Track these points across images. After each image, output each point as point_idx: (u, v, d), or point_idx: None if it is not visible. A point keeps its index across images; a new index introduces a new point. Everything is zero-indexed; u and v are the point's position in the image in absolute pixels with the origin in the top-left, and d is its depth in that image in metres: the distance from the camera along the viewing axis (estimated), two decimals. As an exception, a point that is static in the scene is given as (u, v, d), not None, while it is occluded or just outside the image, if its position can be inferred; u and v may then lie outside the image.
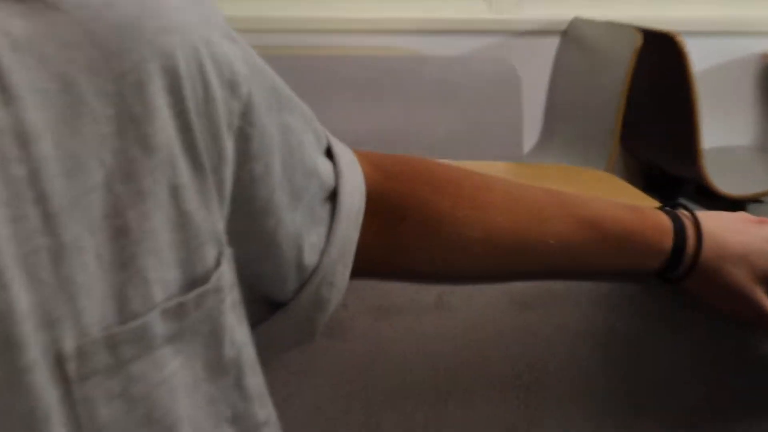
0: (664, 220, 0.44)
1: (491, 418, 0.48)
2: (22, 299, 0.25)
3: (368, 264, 0.41)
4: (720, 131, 1.80)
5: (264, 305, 0.39)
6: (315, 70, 1.40)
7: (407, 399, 0.46)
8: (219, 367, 0.32)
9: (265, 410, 0.34)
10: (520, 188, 0.46)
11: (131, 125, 0.28)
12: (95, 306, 0.27)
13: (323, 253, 0.39)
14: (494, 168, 1.16)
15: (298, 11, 1.80)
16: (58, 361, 0.26)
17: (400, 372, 0.46)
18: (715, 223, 0.45)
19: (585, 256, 0.45)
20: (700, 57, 1.49)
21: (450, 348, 0.48)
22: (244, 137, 0.33)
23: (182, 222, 0.30)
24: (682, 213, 0.45)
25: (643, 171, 1.90)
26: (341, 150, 0.41)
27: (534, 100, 1.57)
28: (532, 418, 0.48)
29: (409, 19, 1.79)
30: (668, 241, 0.43)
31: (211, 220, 0.31)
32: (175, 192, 0.29)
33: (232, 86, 0.31)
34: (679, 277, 0.44)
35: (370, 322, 0.45)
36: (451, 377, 0.47)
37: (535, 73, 1.54)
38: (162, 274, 0.29)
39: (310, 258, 0.38)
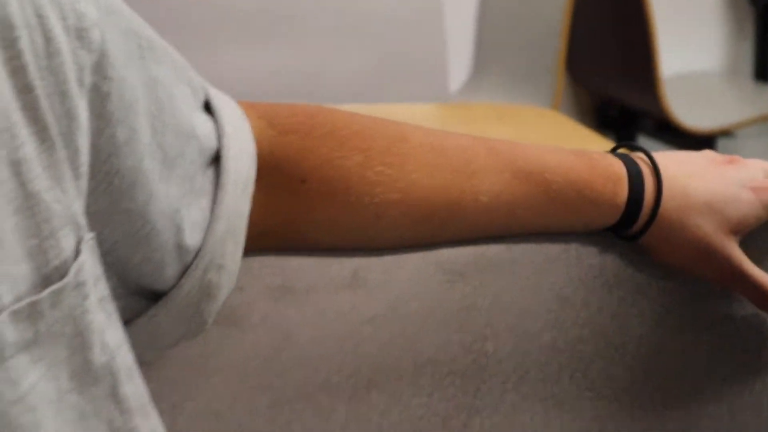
0: (618, 166, 0.45)
1: (422, 408, 0.48)
2: None
3: (264, 237, 0.43)
4: (681, 56, 1.85)
5: (141, 297, 0.39)
6: (188, 4, 1.36)
7: (322, 392, 0.47)
8: (88, 375, 0.33)
9: (148, 422, 0.35)
10: (444, 137, 0.46)
11: None
12: None
13: (208, 230, 0.39)
14: (414, 111, 1.17)
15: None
16: None
17: (312, 362, 0.47)
18: (677, 167, 0.46)
19: (524, 215, 0.46)
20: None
21: (370, 330, 0.49)
22: (99, 95, 0.33)
23: (28, 205, 0.30)
24: (638, 156, 0.46)
25: (596, 106, 1.93)
26: (224, 103, 0.41)
27: (460, 29, 1.56)
28: (471, 407, 0.49)
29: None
30: (623, 191, 0.45)
31: (66, 200, 0.31)
32: (16, 168, 0.29)
33: (79, 34, 0.31)
34: (637, 233, 0.46)
35: (273, 306, 0.46)
36: (373, 364, 0.49)
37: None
38: (7, 269, 0.29)
39: (191, 238, 0.39)
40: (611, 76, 1.84)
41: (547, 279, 0.50)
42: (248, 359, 0.47)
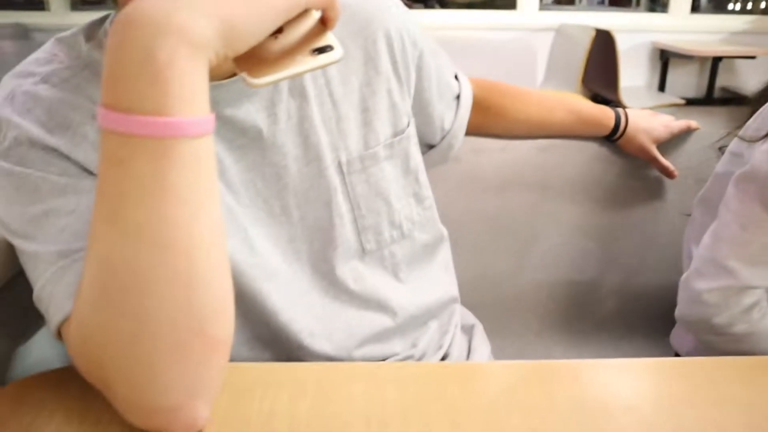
0: (611, 112, 1.07)
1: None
2: (323, 140, 0.71)
3: (471, 128, 1.01)
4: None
5: (424, 146, 0.95)
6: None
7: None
8: (408, 170, 0.78)
9: (428, 191, 0.82)
10: (541, 94, 1.08)
11: (370, 61, 0.73)
12: (354, 143, 0.72)
13: (452, 123, 0.91)
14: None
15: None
16: (339, 166, 0.72)
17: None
18: (634, 114, 1.07)
19: (571, 128, 1.08)
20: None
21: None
22: (419, 67, 0.79)
23: (392, 105, 0.75)
24: (620, 109, 1.08)
25: (590, 97, 3.32)
26: (461, 75, 0.95)
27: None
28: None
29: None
30: (612, 122, 1.07)
31: (405, 105, 0.77)
32: (389, 93, 0.75)
33: (413, 42, 0.77)
34: (616, 139, 1.08)
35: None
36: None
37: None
38: (384, 129, 0.75)
39: (447, 125, 0.90)
40: (599, 85, 3.18)
41: (588, 157, 1.12)
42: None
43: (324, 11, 0.51)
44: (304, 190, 0.70)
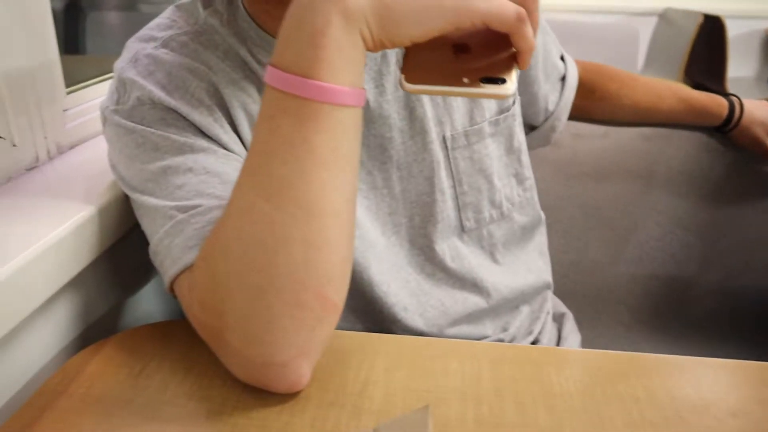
0: (724, 101, 1.03)
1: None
2: (428, 114, 0.71)
3: (574, 111, 1.01)
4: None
5: (527, 126, 0.94)
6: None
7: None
8: (511, 149, 0.79)
9: (529, 172, 0.83)
10: (650, 80, 1.05)
11: None
12: (460, 118, 0.72)
13: (556, 104, 0.91)
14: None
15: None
16: (443, 141, 0.73)
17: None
18: (750, 104, 1.03)
19: (680, 116, 1.05)
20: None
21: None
22: None
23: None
24: (734, 98, 1.04)
25: (692, 86, 3.14)
26: (566, 56, 0.95)
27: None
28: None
29: None
30: (725, 111, 1.03)
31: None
32: None
33: None
34: (729, 129, 1.04)
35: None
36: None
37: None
38: (490, 105, 0.75)
39: (551, 106, 0.90)
40: (702, 71, 3.09)
41: (694, 146, 1.09)
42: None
43: (512, 37, 0.46)
44: (407, 164, 0.71)
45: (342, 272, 0.50)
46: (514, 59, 0.48)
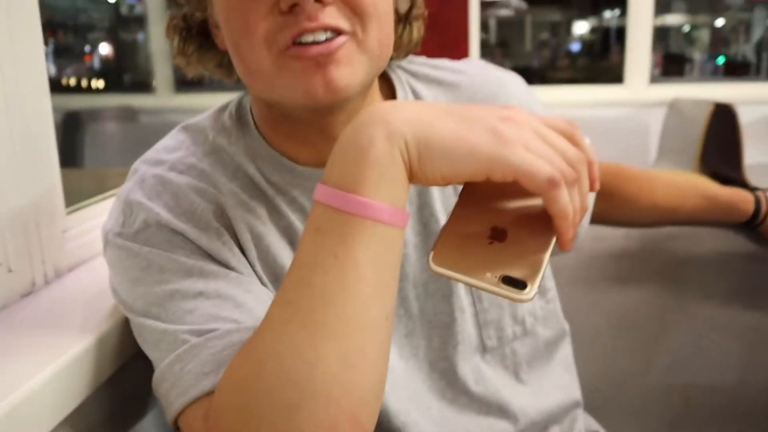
0: (749, 196, 1.02)
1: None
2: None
3: (593, 216, 1.00)
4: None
5: None
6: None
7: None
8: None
9: (551, 282, 0.82)
10: (670, 178, 1.07)
11: None
12: None
13: None
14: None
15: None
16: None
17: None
18: None
19: (705, 215, 1.03)
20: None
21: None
22: None
23: None
24: (761, 192, 1.03)
25: (709, 176, 3.22)
26: None
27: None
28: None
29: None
30: (752, 207, 1.02)
31: None
32: None
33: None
34: (756, 225, 1.03)
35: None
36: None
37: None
38: None
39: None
40: (723, 163, 3.12)
41: (719, 241, 1.07)
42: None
43: (543, 200, 0.49)
44: (423, 282, 0.70)
45: (377, 395, 0.50)
46: (548, 243, 0.50)
